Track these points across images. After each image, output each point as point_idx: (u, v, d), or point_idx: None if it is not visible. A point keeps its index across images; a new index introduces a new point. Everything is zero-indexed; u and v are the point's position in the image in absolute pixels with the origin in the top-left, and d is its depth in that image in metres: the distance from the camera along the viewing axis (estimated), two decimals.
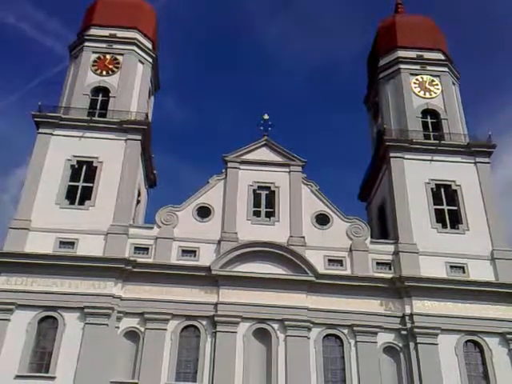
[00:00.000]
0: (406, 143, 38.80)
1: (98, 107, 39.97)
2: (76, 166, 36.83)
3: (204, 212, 36.06)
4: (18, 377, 29.68)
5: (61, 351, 30.53)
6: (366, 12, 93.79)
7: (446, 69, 43.56)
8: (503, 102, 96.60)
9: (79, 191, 36.09)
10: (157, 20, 46.88)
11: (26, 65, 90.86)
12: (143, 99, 41.30)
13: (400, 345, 32.31)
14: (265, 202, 36.79)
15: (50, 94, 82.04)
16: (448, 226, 36.49)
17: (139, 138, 38.00)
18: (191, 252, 34.36)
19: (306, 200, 36.80)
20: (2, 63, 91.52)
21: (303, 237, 35.15)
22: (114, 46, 42.23)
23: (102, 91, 40.65)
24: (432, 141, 39.74)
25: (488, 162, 38.77)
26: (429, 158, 38.71)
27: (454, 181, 37.83)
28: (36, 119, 37.66)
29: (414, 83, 42.57)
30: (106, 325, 31.19)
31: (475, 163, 38.62)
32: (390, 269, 34.50)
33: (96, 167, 36.68)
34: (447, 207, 37.27)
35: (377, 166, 41.14)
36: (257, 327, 32.36)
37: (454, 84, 43.57)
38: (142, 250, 34.21)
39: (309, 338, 32.08)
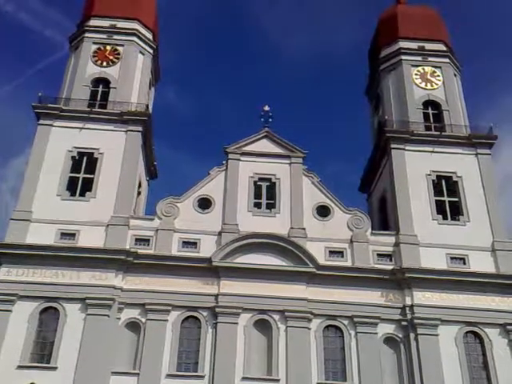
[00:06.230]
0: (407, 134, 38.73)
1: (99, 98, 39.91)
2: (77, 158, 36.82)
3: (205, 203, 36.07)
4: (19, 367, 29.84)
5: (62, 342, 30.66)
6: (367, 2, 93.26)
7: (447, 60, 43.40)
8: (504, 93, 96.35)
9: (80, 182, 36.09)
10: (157, 10, 46.70)
11: (24, 54, 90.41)
12: (144, 90, 41.21)
13: (400, 336, 32.40)
14: (265, 194, 36.79)
15: (47, 84, 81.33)
16: (449, 217, 36.51)
17: (140, 129, 37.98)
18: (192, 243, 34.40)
19: (306, 191, 36.80)
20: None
21: (304, 228, 35.17)
22: (115, 37, 42.09)
23: (102, 82, 40.57)
24: (433, 132, 39.67)
25: (489, 154, 38.71)
26: (430, 149, 38.62)
27: (454, 172, 37.79)
28: (36, 110, 37.60)
29: (416, 74, 42.40)
30: (108, 316, 31.29)
31: (476, 155, 38.59)
32: (390, 260, 34.55)
33: (97, 158, 36.67)
34: (448, 199, 37.25)
35: (378, 157, 41.09)
36: (257, 318, 32.44)
37: (455, 75, 43.39)
38: (142, 241, 34.27)
39: (309, 329, 32.18)
